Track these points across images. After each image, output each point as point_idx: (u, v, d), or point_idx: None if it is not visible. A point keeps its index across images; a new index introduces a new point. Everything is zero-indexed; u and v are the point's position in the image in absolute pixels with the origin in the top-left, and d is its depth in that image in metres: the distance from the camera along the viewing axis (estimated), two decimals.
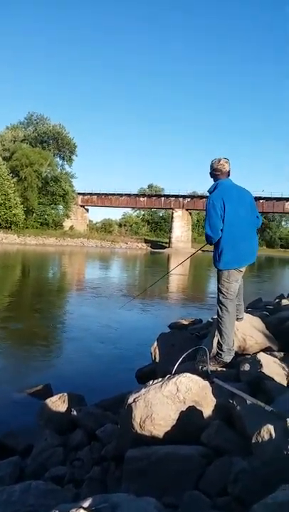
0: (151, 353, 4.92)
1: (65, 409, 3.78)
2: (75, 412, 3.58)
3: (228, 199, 3.60)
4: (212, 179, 3.84)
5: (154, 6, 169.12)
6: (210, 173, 3.85)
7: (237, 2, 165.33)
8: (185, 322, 8.09)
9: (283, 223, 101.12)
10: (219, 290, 3.71)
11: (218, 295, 3.72)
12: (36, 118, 71.10)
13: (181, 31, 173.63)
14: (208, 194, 3.78)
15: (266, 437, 1.79)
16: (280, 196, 64.62)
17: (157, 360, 4.77)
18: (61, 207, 64.78)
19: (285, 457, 1.65)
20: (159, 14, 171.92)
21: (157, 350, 4.82)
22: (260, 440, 1.80)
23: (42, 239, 56.19)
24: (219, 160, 3.77)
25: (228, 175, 3.81)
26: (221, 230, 3.59)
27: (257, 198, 61.79)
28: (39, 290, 15.32)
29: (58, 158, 69.62)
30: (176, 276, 23.41)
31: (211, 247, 3.83)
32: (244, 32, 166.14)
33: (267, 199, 64.82)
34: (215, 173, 3.79)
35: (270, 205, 65.88)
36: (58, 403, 3.85)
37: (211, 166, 3.80)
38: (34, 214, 60.55)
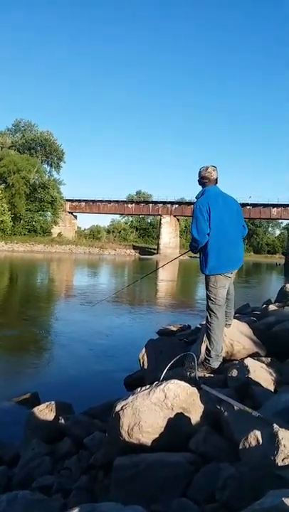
0: (139, 360, 4.90)
1: (53, 417, 3.73)
2: (62, 421, 3.54)
3: (214, 205, 3.64)
4: (200, 186, 3.90)
5: (140, 12, 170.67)
6: (198, 181, 3.91)
7: (236, 12, 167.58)
8: (173, 328, 8.11)
9: (270, 229, 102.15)
10: (207, 296, 3.73)
11: (207, 301, 3.74)
12: (24, 125, 71.16)
13: (169, 39, 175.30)
14: (195, 200, 3.82)
15: (253, 443, 1.80)
16: (266, 202, 65.36)
17: (146, 366, 4.76)
18: (49, 213, 64.67)
19: (272, 463, 1.66)
20: (141, 20, 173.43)
21: (145, 357, 4.81)
22: (247, 446, 1.81)
23: (30, 246, 55.90)
24: (207, 168, 3.83)
25: (216, 182, 3.87)
26: (208, 235, 3.63)
27: (244, 205, 62.54)
28: (27, 297, 15.20)
29: (45, 165, 69.72)
30: (165, 282, 23.45)
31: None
32: (210, 32, 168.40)
33: (254, 205, 65.53)
34: (203, 180, 3.85)
35: (257, 212, 66.60)
36: (45, 412, 3.80)
37: (199, 174, 3.86)
38: (22, 221, 60.29)
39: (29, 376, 5.97)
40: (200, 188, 3.89)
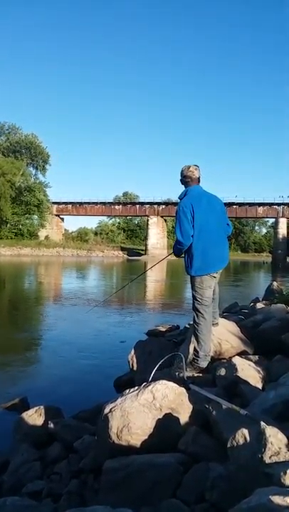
0: (128, 361, 4.90)
1: (42, 422, 3.70)
2: (51, 425, 3.51)
3: (198, 205, 3.63)
4: (183, 186, 3.89)
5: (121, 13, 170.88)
6: (180, 180, 3.89)
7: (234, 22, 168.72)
8: (162, 329, 8.10)
9: (256, 228, 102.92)
10: (194, 297, 3.73)
11: (194, 302, 3.74)
12: (8, 128, 70.66)
13: (159, 44, 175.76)
14: (178, 201, 3.82)
15: (241, 441, 1.80)
16: (252, 201, 65.83)
17: (135, 368, 4.76)
18: (36, 217, 64.29)
19: (259, 460, 1.67)
20: (122, 19, 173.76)
21: (134, 358, 4.81)
22: (235, 444, 1.82)
23: (17, 249, 55.46)
24: (189, 167, 3.82)
25: (199, 181, 3.86)
26: (192, 236, 3.62)
27: (230, 204, 62.95)
28: (15, 301, 15.08)
29: (31, 168, 69.29)
30: (153, 283, 23.46)
31: None
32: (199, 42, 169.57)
33: (240, 204, 65.98)
34: (185, 179, 3.83)
35: (243, 211, 67.09)
36: (34, 417, 3.77)
37: (181, 173, 3.84)
38: (8, 224, 59.82)
39: (18, 381, 5.91)
40: (183, 187, 3.89)
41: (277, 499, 1.22)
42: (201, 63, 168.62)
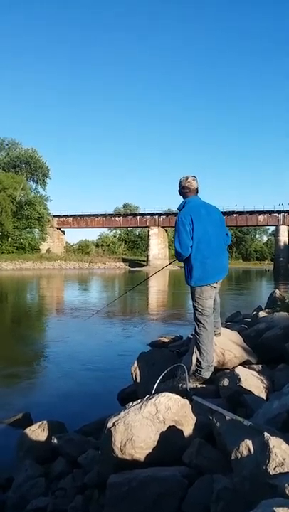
0: (132, 374, 4.87)
1: (46, 437, 3.67)
2: (55, 440, 3.49)
3: (197, 216, 3.65)
4: (181, 197, 3.91)
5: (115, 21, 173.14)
6: (178, 191, 3.92)
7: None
8: (165, 340, 8.09)
9: (257, 236, 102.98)
10: (194, 307, 3.73)
11: (194, 312, 3.74)
12: (8, 143, 71.35)
13: (160, 54, 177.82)
14: (178, 212, 3.84)
15: (245, 453, 1.79)
16: (252, 210, 65.97)
17: (138, 380, 4.73)
18: (37, 230, 64.60)
19: (264, 472, 1.65)
20: (124, 40, 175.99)
21: (138, 370, 4.78)
22: (239, 456, 1.80)
23: (18, 263, 55.57)
24: (187, 178, 3.85)
25: (197, 192, 3.88)
26: (191, 247, 3.64)
27: (230, 212, 63.10)
28: (17, 315, 15.06)
29: (31, 182, 69.81)
30: (156, 293, 23.43)
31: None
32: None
33: (240, 213, 66.14)
34: (183, 190, 3.86)
35: (244, 219, 67.19)
36: (37, 432, 3.74)
37: (180, 184, 3.87)
38: (9, 238, 60.04)
39: (21, 395, 5.89)
40: (181, 198, 3.92)
41: (282, 511, 1.21)
42: (201, 73, 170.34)
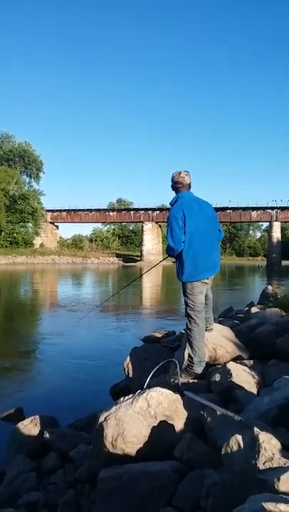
0: (124, 368, 4.88)
1: (38, 432, 3.67)
2: (47, 435, 3.49)
3: (189, 211, 3.64)
4: (174, 192, 3.90)
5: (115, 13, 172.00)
6: (171, 186, 3.90)
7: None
8: (158, 335, 8.08)
9: (251, 232, 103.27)
10: (186, 303, 3.73)
11: (186, 308, 3.74)
12: (1, 136, 70.74)
13: (154, 51, 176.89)
14: (170, 207, 3.83)
15: (235, 448, 1.80)
16: (246, 206, 66.15)
17: (131, 375, 4.74)
18: (30, 225, 64.26)
19: (253, 467, 1.66)
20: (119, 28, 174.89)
21: (130, 365, 4.79)
22: (229, 451, 1.81)
23: (12, 258, 55.35)
24: (180, 173, 3.83)
25: (189, 187, 3.87)
26: (183, 242, 3.64)
27: (224, 208, 63.17)
28: (10, 310, 15.01)
29: (24, 176, 69.35)
30: (149, 289, 23.46)
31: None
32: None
33: (234, 209, 66.24)
34: (176, 185, 3.84)
35: (238, 215, 67.33)
36: (29, 427, 3.74)
37: (172, 179, 3.85)
38: (3, 233, 59.74)
39: (13, 390, 5.88)
40: (174, 193, 3.90)
41: (270, 506, 1.22)
42: (195, 71, 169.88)
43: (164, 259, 4.44)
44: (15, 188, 61.04)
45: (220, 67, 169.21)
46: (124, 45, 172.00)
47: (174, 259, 3.84)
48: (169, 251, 3.75)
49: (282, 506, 1.21)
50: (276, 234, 65.72)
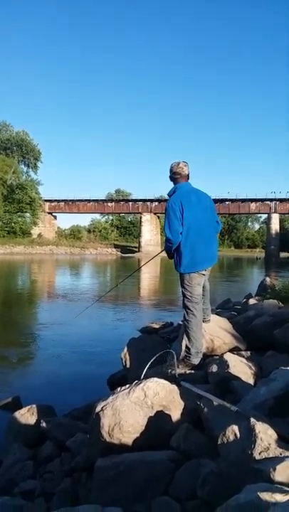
0: (121, 359, 4.89)
1: (35, 421, 3.69)
2: (44, 424, 3.50)
3: (187, 202, 3.61)
4: (172, 182, 3.87)
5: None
6: (169, 177, 3.87)
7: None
8: (156, 326, 8.12)
9: (249, 224, 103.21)
10: (183, 294, 3.73)
11: (183, 299, 3.74)
12: None
13: (152, 43, 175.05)
14: (168, 198, 3.80)
15: (231, 438, 1.81)
16: (245, 198, 65.98)
17: (128, 365, 4.75)
18: (28, 214, 63.96)
19: (249, 457, 1.67)
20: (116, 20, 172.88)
21: (127, 356, 4.80)
22: (225, 441, 1.82)
23: (9, 247, 55.23)
24: (178, 163, 3.80)
25: (188, 178, 3.84)
26: (181, 234, 3.61)
27: (223, 200, 63.03)
28: (8, 299, 15.01)
29: (22, 166, 68.92)
30: (147, 279, 23.48)
31: None
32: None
33: (232, 200, 66.09)
34: (174, 176, 3.81)
35: (236, 207, 67.20)
36: (26, 416, 3.75)
37: (171, 170, 3.81)
38: (0, 222, 59.46)
39: (10, 380, 5.90)
40: (172, 184, 3.87)
41: (266, 496, 1.22)
42: (193, 62, 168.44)
43: (161, 252, 4.43)
44: (12, 177, 60.67)
45: (220, 58, 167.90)
46: (125, 35, 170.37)
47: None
48: (167, 242, 3.72)
49: (278, 496, 1.21)
50: (275, 226, 65.66)
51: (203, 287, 3.82)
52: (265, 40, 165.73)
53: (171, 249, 3.71)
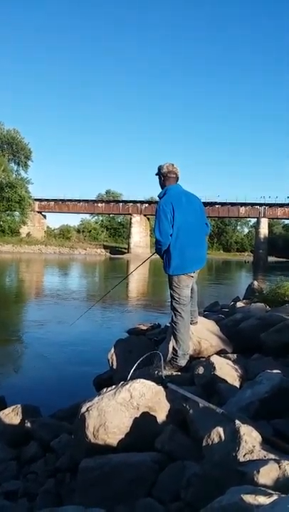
0: (108, 360, 4.88)
1: (19, 421, 3.65)
2: (28, 424, 3.47)
3: (178, 205, 3.61)
4: (161, 182, 3.84)
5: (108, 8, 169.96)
6: (161, 176, 3.82)
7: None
8: (144, 327, 8.12)
9: (238, 227, 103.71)
10: (172, 296, 3.72)
11: (171, 301, 3.73)
12: None
13: (145, 44, 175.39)
14: (158, 200, 3.79)
15: (216, 440, 1.81)
16: (234, 201, 66.34)
17: (115, 366, 4.74)
18: (17, 213, 63.46)
19: (233, 459, 1.67)
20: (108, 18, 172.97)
21: (114, 357, 4.79)
22: (210, 443, 1.82)
23: None
24: (172, 164, 3.78)
25: (177, 180, 3.83)
26: (171, 236, 3.61)
27: (213, 203, 63.26)
28: None
29: (12, 164, 68.24)
30: (136, 282, 23.45)
31: None
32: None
33: (222, 204, 66.39)
34: (170, 175, 3.77)
35: (226, 210, 67.53)
36: (11, 415, 3.72)
37: (163, 169, 3.78)
38: None
39: None
40: (159, 185, 3.86)
41: (249, 498, 1.22)
42: (188, 67, 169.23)
43: (152, 255, 4.42)
44: (2, 175, 60.15)
45: (213, 62, 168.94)
46: (119, 35, 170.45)
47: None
48: (157, 244, 3.71)
49: (261, 499, 1.21)
50: (263, 230, 66.17)
51: (191, 289, 3.83)
52: (262, 45, 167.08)
53: (161, 251, 3.70)
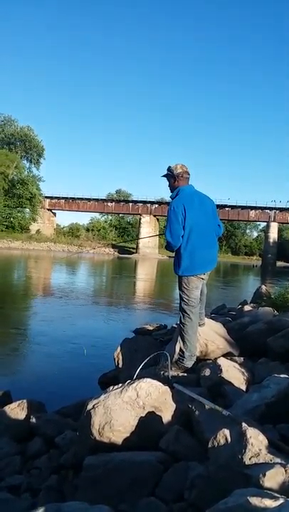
0: (114, 359, 4.89)
1: (24, 416, 3.67)
2: (33, 420, 3.49)
3: (190, 206, 3.59)
4: (171, 183, 3.81)
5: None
6: (174, 176, 3.77)
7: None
8: (150, 327, 8.12)
9: (248, 231, 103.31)
10: (181, 297, 3.71)
11: (180, 302, 3.72)
12: (4, 119, 69.99)
13: (157, 45, 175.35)
14: (170, 200, 3.77)
15: (222, 442, 1.80)
16: (244, 205, 66.09)
17: (120, 365, 4.75)
18: (28, 210, 63.84)
19: (239, 461, 1.66)
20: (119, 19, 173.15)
21: (120, 356, 4.80)
22: (216, 445, 1.81)
23: (7, 242, 55.11)
24: (184, 165, 3.77)
25: (188, 181, 3.80)
26: (182, 237, 3.60)
27: (223, 206, 63.10)
28: (2, 294, 14.96)
29: (25, 161, 68.78)
30: (143, 282, 23.47)
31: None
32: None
33: (232, 207, 66.18)
34: (184, 175, 3.75)
35: (236, 213, 67.29)
36: (16, 410, 3.73)
37: (174, 170, 3.75)
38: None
39: (2, 375, 5.87)
40: (168, 186, 3.83)
41: (255, 500, 1.22)
42: (198, 66, 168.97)
43: (160, 234, 4.41)
44: (14, 172, 60.57)
45: (223, 64, 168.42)
46: (128, 36, 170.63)
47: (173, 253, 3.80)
48: (167, 246, 3.71)
49: (267, 501, 1.21)
50: (273, 234, 65.73)
51: (201, 291, 3.81)
52: (269, 45, 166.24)
53: (173, 251, 3.69)
